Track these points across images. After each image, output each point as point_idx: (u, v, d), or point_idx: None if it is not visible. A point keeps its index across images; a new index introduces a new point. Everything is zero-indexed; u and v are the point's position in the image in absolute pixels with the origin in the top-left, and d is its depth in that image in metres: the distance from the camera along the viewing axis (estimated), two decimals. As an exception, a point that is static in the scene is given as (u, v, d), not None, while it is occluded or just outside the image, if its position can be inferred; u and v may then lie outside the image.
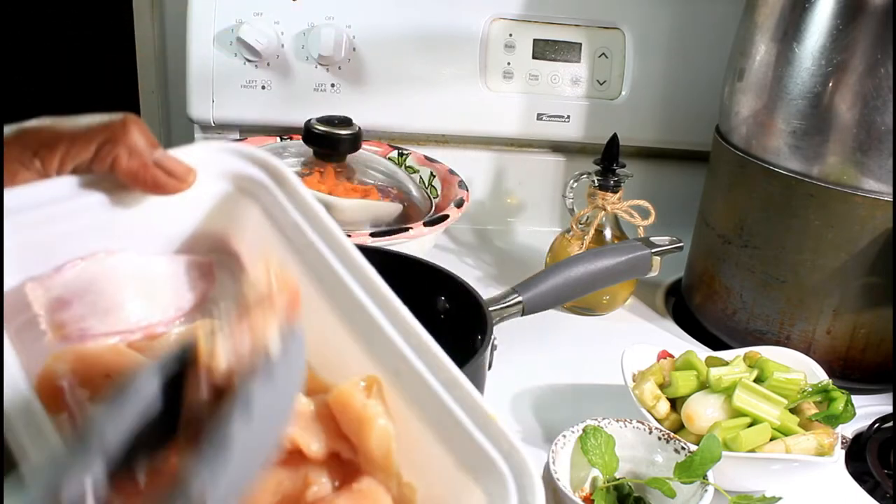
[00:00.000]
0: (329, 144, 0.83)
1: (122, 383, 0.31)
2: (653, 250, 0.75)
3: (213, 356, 0.32)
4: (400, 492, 0.35)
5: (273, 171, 0.41)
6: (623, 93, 1.06)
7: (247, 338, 0.32)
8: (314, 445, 0.35)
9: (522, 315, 0.67)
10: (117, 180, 0.39)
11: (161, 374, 0.32)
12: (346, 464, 0.35)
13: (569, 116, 1.05)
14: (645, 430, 0.60)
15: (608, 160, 0.86)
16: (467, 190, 0.89)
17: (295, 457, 0.35)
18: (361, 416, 0.35)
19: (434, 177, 0.95)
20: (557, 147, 1.10)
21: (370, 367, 0.36)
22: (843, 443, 0.63)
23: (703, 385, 0.66)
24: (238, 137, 1.03)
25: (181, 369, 0.32)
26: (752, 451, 0.61)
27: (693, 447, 0.58)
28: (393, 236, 0.75)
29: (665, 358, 0.71)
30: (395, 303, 0.38)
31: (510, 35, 1.03)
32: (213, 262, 0.42)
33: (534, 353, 0.81)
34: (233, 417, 0.30)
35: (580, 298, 0.75)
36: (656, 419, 0.64)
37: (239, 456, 0.29)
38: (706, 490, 0.55)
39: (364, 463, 0.35)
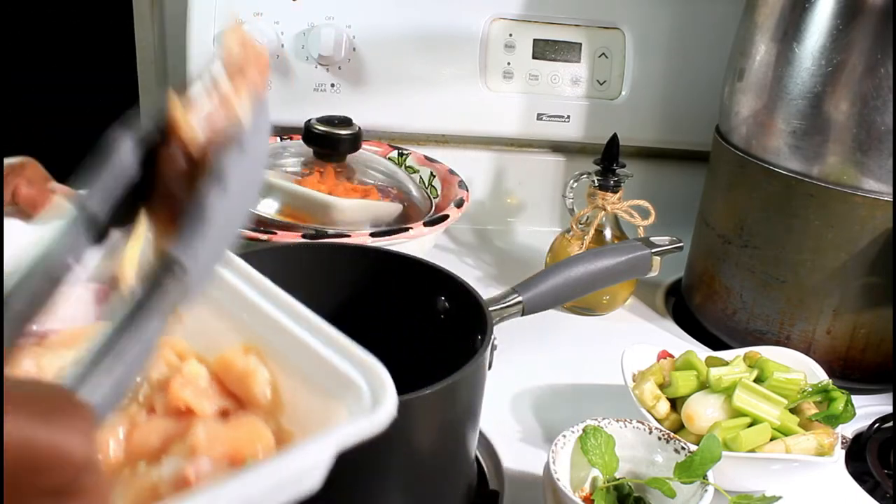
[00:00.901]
0: (329, 144, 0.83)
1: (103, 151, 0.31)
2: (653, 250, 0.75)
3: (189, 128, 0.32)
4: (279, 430, 0.37)
5: None
6: (623, 93, 1.06)
7: (221, 109, 0.32)
8: (206, 405, 0.37)
9: (522, 315, 0.67)
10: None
11: (140, 145, 0.32)
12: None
13: (569, 116, 1.05)
14: (645, 430, 0.60)
15: (608, 160, 0.86)
16: (467, 190, 0.89)
17: (186, 415, 0.37)
18: (244, 371, 0.38)
19: (434, 177, 0.95)
20: (557, 147, 1.10)
21: (243, 339, 0.40)
22: (843, 443, 0.63)
23: (703, 385, 0.66)
24: (238, 137, 1.03)
25: (159, 140, 0.32)
26: (752, 451, 0.61)
27: (693, 447, 0.58)
28: (393, 236, 0.75)
29: (665, 358, 0.71)
30: (253, 274, 0.41)
31: (510, 35, 1.03)
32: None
33: (534, 353, 0.81)
34: (209, 190, 0.30)
35: (580, 298, 0.75)
36: (656, 419, 0.64)
37: (216, 228, 0.30)
38: (706, 490, 0.55)
39: (252, 412, 0.38)
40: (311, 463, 0.33)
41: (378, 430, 0.33)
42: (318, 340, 0.37)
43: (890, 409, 0.76)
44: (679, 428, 0.65)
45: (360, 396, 0.35)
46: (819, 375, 0.69)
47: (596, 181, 0.87)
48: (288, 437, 0.37)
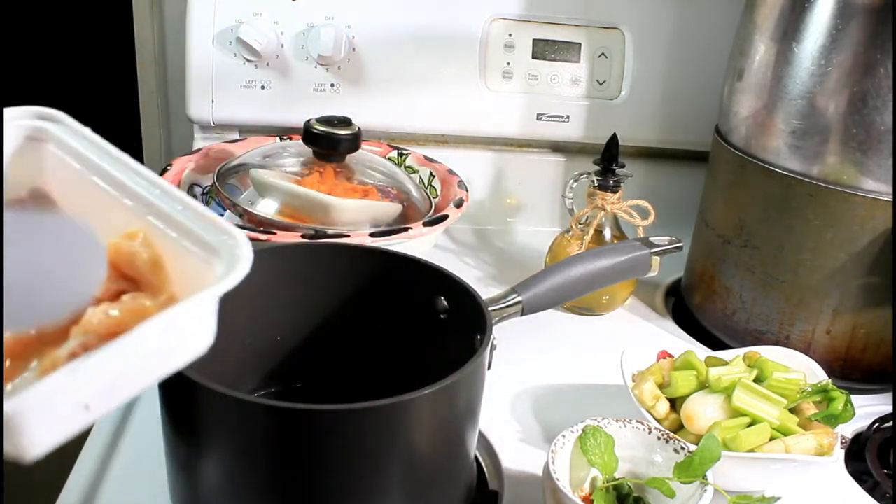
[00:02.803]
0: (329, 144, 0.83)
1: None
2: (652, 250, 0.75)
3: None
4: (172, 300, 0.42)
5: (48, 115, 0.50)
6: (623, 93, 1.06)
7: None
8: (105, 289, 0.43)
9: (522, 315, 0.67)
10: None
11: None
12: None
13: (568, 116, 1.05)
14: (644, 430, 0.60)
15: (608, 160, 0.86)
16: (467, 190, 0.89)
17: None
18: (130, 254, 0.43)
19: (434, 177, 0.95)
20: (557, 147, 1.10)
21: (133, 222, 0.45)
22: (842, 443, 0.63)
23: (703, 385, 0.66)
24: (238, 137, 1.03)
25: None
26: (752, 451, 0.61)
27: (692, 447, 0.58)
28: (392, 236, 0.75)
29: (664, 358, 0.71)
30: (138, 167, 0.46)
31: (510, 35, 1.03)
32: None
33: (534, 353, 0.81)
34: None
35: (580, 298, 0.75)
36: (656, 419, 0.64)
37: None
38: (706, 490, 0.55)
39: (146, 289, 0.43)
40: (186, 318, 0.39)
41: (240, 279, 0.40)
42: (188, 215, 0.43)
43: (890, 409, 0.76)
44: (678, 428, 0.65)
45: (226, 256, 0.41)
46: (819, 375, 0.69)
47: (595, 181, 0.87)
48: (172, 299, 0.42)
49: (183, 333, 0.40)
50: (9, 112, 0.49)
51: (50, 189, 0.48)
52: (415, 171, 0.96)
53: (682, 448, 0.59)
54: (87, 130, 0.49)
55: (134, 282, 0.43)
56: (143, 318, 0.39)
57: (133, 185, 0.44)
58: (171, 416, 0.52)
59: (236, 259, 0.40)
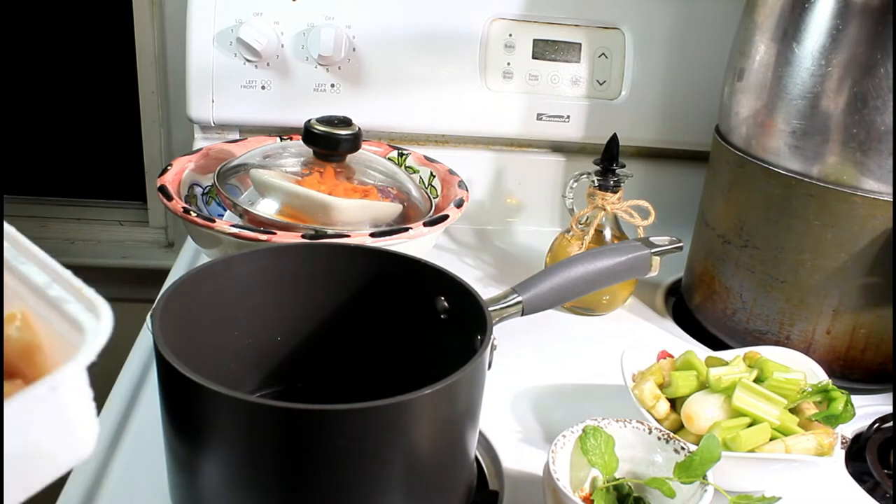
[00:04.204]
0: (329, 144, 0.83)
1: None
2: (652, 250, 0.75)
3: None
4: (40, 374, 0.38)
5: None
6: (623, 93, 1.06)
7: None
8: None
9: (522, 315, 0.67)
10: None
11: None
12: None
13: (569, 116, 1.05)
14: (645, 430, 0.60)
15: (608, 160, 0.86)
16: (467, 190, 0.89)
17: None
18: (7, 337, 0.38)
19: (434, 177, 0.95)
20: (557, 147, 1.10)
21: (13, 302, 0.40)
22: (842, 443, 0.63)
23: (703, 385, 0.66)
24: (238, 137, 1.03)
25: None
26: (752, 451, 0.61)
27: (693, 447, 0.58)
28: (393, 236, 0.75)
29: (665, 358, 0.71)
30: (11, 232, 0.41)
31: (510, 35, 1.03)
32: None
33: (534, 353, 0.81)
34: None
35: (580, 298, 0.75)
36: (656, 419, 0.64)
37: None
38: (706, 490, 0.55)
39: (24, 380, 0.38)
40: (35, 396, 0.32)
41: (99, 348, 0.35)
42: (57, 288, 0.38)
43: (890, 409, 0.76)
44: (679, 428, 0.65)
45: (83, 318, 0.36)
46: (819, 375, 0.69)
47: (596, 181, 0.87)
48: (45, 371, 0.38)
49: (27, 433, 0.33)
50: None
51: None
52: (415, 171, 0.96)
53: (683, 448, 0.59)
54: None
55: (11, 373, 0.39)
56: None
57: (8, 256, 0.39)
58: (171, 416, 0.52)
59: (88, 342, 0.34)
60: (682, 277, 0.95)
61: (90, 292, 0.37)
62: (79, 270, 0.39)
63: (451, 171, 0.94)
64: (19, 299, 0.39)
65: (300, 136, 0.84)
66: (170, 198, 0.79)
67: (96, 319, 0.35)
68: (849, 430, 0.72)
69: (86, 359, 0.33)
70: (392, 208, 0.83)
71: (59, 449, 0.34)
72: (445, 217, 0.81)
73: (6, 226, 0.40)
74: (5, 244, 0.40)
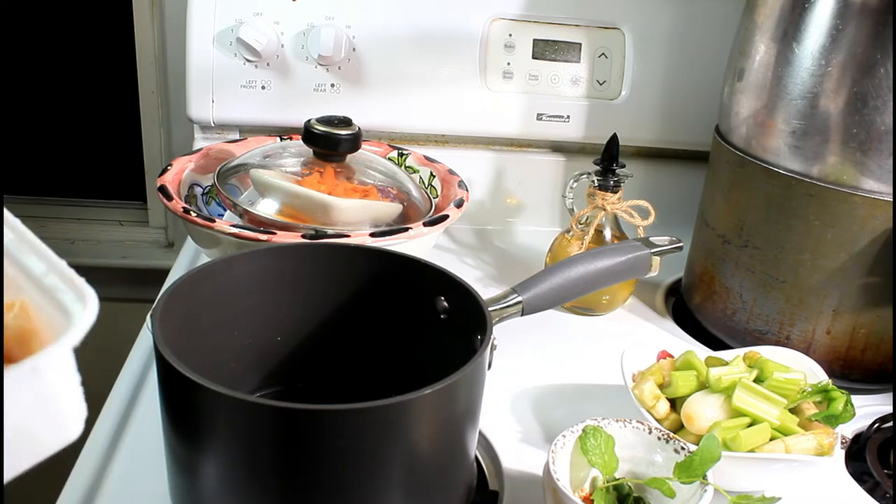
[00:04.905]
0: (329, 144, 0.83)
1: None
2: (652, 250, 0.75)
3: None
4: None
5: None
6: (623, 93, 1.06)
7: None
8: None
9: (522, 315, 0.67)
10: None
11: None
12: None
13: (569, 116, 1.05)
14: (645, 430, 0.60)
15: (608, 160, 0.86)
16: (467, 190, 0.89)
17: None
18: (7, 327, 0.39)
19: (434, 177, 0.95)
20: (557, 147, 1.10)
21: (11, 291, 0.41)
22: (842, 443, 0.63)
23: (703, 385, 0.66)
24: (238, 137, 1.03)
25: None
26: (752, 451, 0.61)
27: (693, 447, 0.58)
28: (393, 236, 0.75)
29: (665, 358, 0.71)
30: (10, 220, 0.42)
31: (510, 35, 1.03)
32: None
33: (534, 353, 0.81)
34: None
35: (580, 298, 0.75)
36: (656, 419, 0.64)
37: None
38: (706, 490, 0.55)
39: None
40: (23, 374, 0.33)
41: (83, 332, 0.35)
42: (52, 278, 0.39)
43: (890, 409, 0.76)
44: (679, 428, 0.65)
45: (69, 306, 0.37)
46: (819, 375, 0.69)
47: (596, 181, 0.87)
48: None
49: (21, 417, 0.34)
50: None
51: None
52: (415, 171, 0.96)
53: (683, 448, 0.59)
54: None
55: (9, 358, 0.39)
56: None
57: (10, 245, 0.40)
58: (171, 417, 0.52)
59: (73, 326, 0.35)
60: (682, 277, 0.95)
61: (80, 281, 0.37)
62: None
63: (451, 171, 0.94)
64: (18, 288, 0.40)
65: (300, 136, 0.84)
66: (170, 198, 0.79)
67: (83, 307, 0.36)
68: (849, 430, 0.72)
69: (69, 342, 0.34)
70: (392, 208, 0.83)
71: (43, 431, 0.34)
72: (445, 217, 0.81)
73: (9, 215, 0.41)
74: (9, 234, 0.41)
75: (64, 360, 0.34)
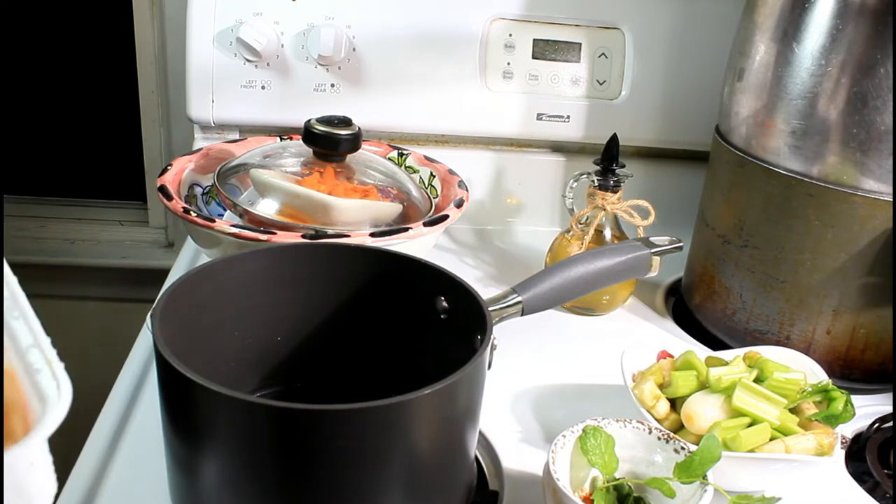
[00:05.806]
0: (329, 144, 0.83)
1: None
2: (652, 250, 0.75)
3: None
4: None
5: None
6: (623, 93, 1.06)
7: None
8: None
9: (522, 315, 0.67)
10: None
11: None
12: None
13: (569, 116, 1.05)
14: (645, 430, 0.60)
15: (608, 160, 0.86)
16: (467, 190, 0.89)
17: None
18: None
19: (434, 177, 0.95)
20: (557, 147, 1.10)
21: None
22: (842, 443, 0.63)
23: (703, 385, 0.66)
24: (238, 137, 1.03)
25: None
26: (752, 451, 0.61)
27: (693, 447, 0.58)
28: (393, 236, 0.75)
29: (665, 358, 0.71)
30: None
31: (510, 35, 1.03)
32: None
33: (534, 353, 0.81)
34: None
35: (580, 298, 0.75)
36: (656, 419, 0.64)
37: None
38: (706, 490, 0.55)
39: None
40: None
41: (53, 428, 0.34)
42: (34, 353, 0.38)
43: (890, 409, 0.76)
44: (679, 428, 0.65)
45: (49, 399, 0.36)
46: (819, 375, 0.69)
47: (596, 181, 0.87)
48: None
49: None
50: None
51: None
52: (415, 171, 0.96)
53: (683, 448, 0.59)
54: None
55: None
56: None
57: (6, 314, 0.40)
58: (171, 417, 0.52)
59: (45, 420, 0.34)
60: (682, 277, 0.95)
61: (58, 367, 0.37)
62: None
63: (451, 171, 0.94)
64: (5, 355, 0.39)
65: (300, 136, 0.84)
66: (170, 198, 0.79)
67: (58, 397, 0.35)
68: (849, 430, 0.72)
69: (41, 435, 0.33)
70: (392, 208, 0.83)
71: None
72: (445, 217, 0.81)
73: (8, 272, 0.40)
74: (6, 291, 0.40)
75: (37, 450, 0.34)
